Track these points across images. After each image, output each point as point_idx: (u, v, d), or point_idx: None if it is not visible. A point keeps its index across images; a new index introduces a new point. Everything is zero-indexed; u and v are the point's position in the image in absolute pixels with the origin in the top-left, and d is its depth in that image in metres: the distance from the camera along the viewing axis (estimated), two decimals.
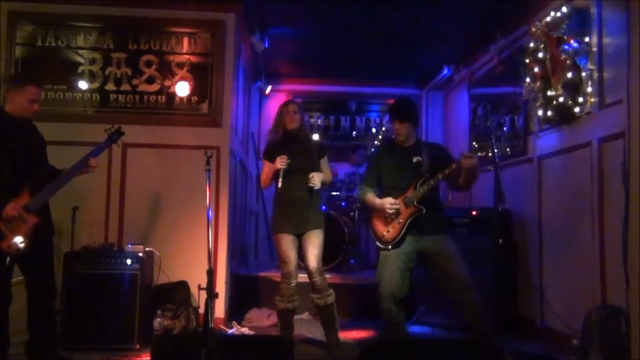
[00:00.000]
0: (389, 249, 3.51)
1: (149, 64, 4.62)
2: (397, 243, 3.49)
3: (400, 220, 3.50)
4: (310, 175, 3.75)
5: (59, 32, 4.58)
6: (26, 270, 3.32)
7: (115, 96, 4.59)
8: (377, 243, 3.60)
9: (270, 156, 3.86)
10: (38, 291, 3.34)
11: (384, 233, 3.54)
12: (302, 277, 3.88)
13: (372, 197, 3.63)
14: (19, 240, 3.11)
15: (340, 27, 5.32)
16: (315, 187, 3.77)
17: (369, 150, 6.87)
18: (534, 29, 4.21)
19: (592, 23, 3.72)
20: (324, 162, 3.95)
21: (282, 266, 3.80)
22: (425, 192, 3.45)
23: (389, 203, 3.50)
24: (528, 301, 4.53)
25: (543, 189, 4.40)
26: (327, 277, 5.23)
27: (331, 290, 3.82)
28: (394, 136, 3.74)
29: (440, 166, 3.49)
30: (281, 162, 3.72)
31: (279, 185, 3.74)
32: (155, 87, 4.61)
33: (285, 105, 3.94)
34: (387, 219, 3.52)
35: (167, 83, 4.61)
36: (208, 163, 3.40)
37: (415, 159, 3.58)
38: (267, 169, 3.89)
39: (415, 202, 3.47)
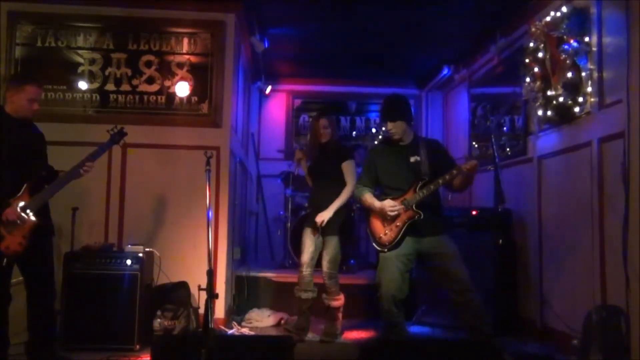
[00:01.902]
0: (385, 252, 3.50)
1: (148, 64, 4.62)
2: (394, 246, 3.46)
3: (398, 223, 3.46)
4: (318, 219, 4.04)
5: (59, 33, 4.58)
6: (26, 270, 3.33)
7: (115, 96, 4.59)
8: (374, 245, 3.57)
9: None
10: (38, 291, 3.34)
11: (382, 235, 3.51)
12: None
13: (370, 198, 3.59)
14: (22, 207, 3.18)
15: (340, 27, 5.32)
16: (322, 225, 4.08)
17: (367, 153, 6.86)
18: (533, 29, 4.21)
19: (592, 23, 3.72)
20: (345, 166, 4.15)
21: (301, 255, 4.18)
22: (425, 196, 3.43)
23: (389, 206, 3.46)
24: (528, 301, 4.53)
25: (543, 189, 4.40)
26: None
27: (340, 296, 4.14)
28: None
29: (439, 166, 3.48)
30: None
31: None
32: (155, 87, 4.61)
33: (317, 120, 4.28)
34: (386, 221, 3.52)
35: (167, 83, 4.61)
36: (208, 163, 3.40)
37: (413, 159, 3.54)
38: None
39: (414, 206, 3.44)
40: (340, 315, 4.19)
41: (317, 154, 4.26)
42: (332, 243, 4.07)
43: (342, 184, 4.11)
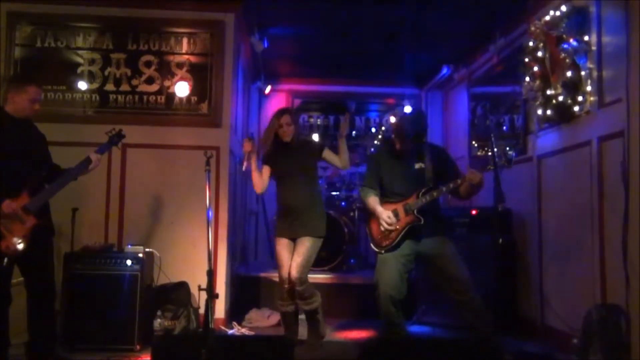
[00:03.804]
0: (382, 253, 3.50)
1: (148, 64, 4.62)
2: (391, 248, 3.47)
3: (398, 227, 3.46)
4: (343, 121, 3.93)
5: (59, 33, 4.58)
6: (26, 271, 3.32)
7: (114, 97, 4.59)
8: (372, 245, 3.58)
9: (266, 157, 3.92)
10: (38, 292, 3.34)
11: (380, 237, 3.52)
12: (311, 277, 3.93)
13: (374, 202, 3.57)
14: (17, 241, 3.11)
15: (340, 26, 5.32)
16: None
17: (369, 150, 6.86)
18: (533, 28, 4.21)
19: (591, 22, 3.72)
20: (328, 152, 3.96)
21: (278, 270, 3.86)
22: (427, 202, 3.42)
23: (385, 220, 3.44)
24: (528, 300, 4.53)
25: (543, 188, 4.40)
26: (327, 277, 5.31)
27: (317, 297, 3.85)
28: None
29: (443, 173, 3.48)
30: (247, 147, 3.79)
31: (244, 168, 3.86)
32: (154, 87, 4.61)
33: (278, 117, 3.87)
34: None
35: (166, 83, 4.62)
36: (208, 163, 3.40)
37: (417, 165, 3.54)
38: (256, 173, 3.87)
39: (415, 211, 3.44)
40: (320, 315, 3.90)
41: (281, 154, 3.86)
42: (307, 244, 3.75)
43: (317, 180, 3.99)
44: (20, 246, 3.12)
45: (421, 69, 6.76)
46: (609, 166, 3.50)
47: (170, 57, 4.64)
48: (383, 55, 6.17)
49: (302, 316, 4.11)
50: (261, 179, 3.89)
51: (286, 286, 3.80)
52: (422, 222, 3.43)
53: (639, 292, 3.04)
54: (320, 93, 7.52)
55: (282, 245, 3.82)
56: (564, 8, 3.89)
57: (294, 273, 3.70)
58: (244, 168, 3.90)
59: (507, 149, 4.86)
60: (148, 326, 3.92)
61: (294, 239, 3.83)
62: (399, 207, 3.50)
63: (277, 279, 4.06)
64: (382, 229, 3.48)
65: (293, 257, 3.76)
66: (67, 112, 4.53)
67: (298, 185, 3.85)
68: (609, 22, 3.58)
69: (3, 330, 3.23)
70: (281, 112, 3.93)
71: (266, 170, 3.93)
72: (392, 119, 7.00)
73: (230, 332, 4.41)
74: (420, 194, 3.45)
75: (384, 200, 3.60)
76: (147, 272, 4.09)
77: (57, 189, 3.35)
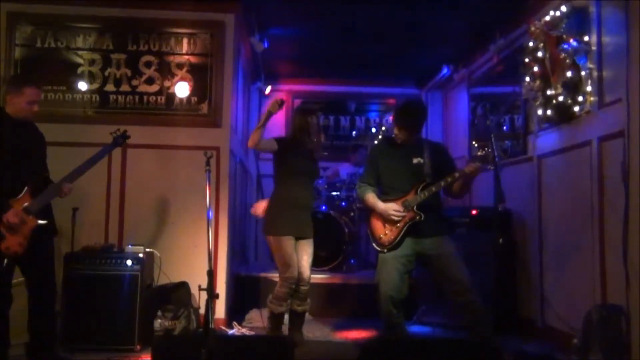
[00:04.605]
0: (384, 252, 3.49)
1: (148, 64, 4.62)
2: (393, 247, 3.46)
3: (399, 225, 3.46)
4: None
5: (59, 33, 4.58)
6: (27, 271, 3.32)
7: (114, 97, 4.59)
8: (374, 245, 3.57)
9: (282, 143, 3.92)
10: (38, 292, 3.34)
11: (381, 236, 3.50)
12: (314, 278, 4.06)
13: (373, 199, 3.57)
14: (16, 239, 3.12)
15: (340, 27, 5.33)
16: None
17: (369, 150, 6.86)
18: (533, 28, 4.21)
19: (591, 22, 3.73)
20: None
21: (285, 270, 3.81)
22: (426, 197, 3.41)
23: (394, 210, 3.44)
24: (528, 301, 4.53)
25: (543, 189, 4.40)
26: (327, 277, 5.31)
27: (309, 299, 3.99)
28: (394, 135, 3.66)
29: (442, 168, 3.47)
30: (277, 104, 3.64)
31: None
32: (154, 87, 4.61)
33: (316, 114, 4.02)
34: (387, 222, 3.50)
35: (166, 84, 4.62)
36: (208, 163, 3.40)
37: (415, 160, 3.52)
38: (260, 130, 3.73)
39: (414, 207, 3.43)
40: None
41: (301, 152, 3.92)
42: (311, 245, 3.94)
43: None
44: (20, 244, 3.12)
45: (421, 69, 6.77)
46: (609, 166, 3.50)
47: (171, 58, 4.64)
48: (383, 55, 6.17)
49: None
50: (260, 140, 3.74)
51: (293, 286, 3.83)
52: (422, 218, 3.42)
53: (639, 292, 3.05)
54: (320, 93, 7.53)
55: (292, 246, 3.83)
56: (564, 8, 3.90)
57: (308, 273, 3.88)
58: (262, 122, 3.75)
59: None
60: (148, 326, 3.92)
61: (297, 238, 3.87)
62: (398, 204, 3.49)
63: (277, 279, 4.05)
64: (395, 218, 3.45)
65: (302, 257, 3.87)
66: (67, 113, 4.53)
67: (310, 187, 4.02)
68: (609, 22, 3.58)
69: (3, 330, 3.23)
70: (313, 111, 4.06)
71: (271, 143, 3.90)
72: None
73: (230, 332, 4.41)
74: (419, 189, 3.44)
75: (383, 197, 3.58)
76: (148, 272, 4.09)
77: (57, 192, 3.34)
